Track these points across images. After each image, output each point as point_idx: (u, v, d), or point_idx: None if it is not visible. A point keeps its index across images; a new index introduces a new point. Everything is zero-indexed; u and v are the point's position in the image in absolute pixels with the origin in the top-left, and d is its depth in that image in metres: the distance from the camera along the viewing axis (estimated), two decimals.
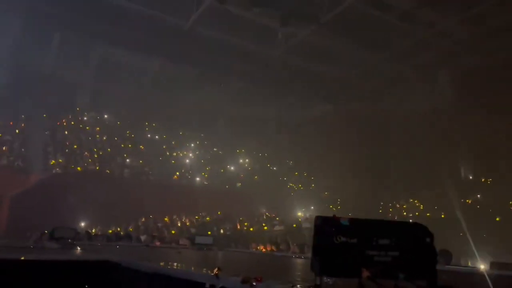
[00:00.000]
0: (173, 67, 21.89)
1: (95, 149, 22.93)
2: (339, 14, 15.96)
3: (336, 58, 19.66)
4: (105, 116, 25.86)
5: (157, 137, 26.23)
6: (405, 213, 21.97)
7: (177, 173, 23.75)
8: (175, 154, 25.77)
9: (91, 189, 17.46)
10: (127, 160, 23.15)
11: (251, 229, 20.03)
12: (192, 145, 26.84)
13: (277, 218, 21.89)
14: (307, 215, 22.01)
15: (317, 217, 1.91)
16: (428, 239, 1.90)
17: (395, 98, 21.34)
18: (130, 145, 24.32)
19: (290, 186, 26.31)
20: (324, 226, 1.84)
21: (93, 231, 16.00)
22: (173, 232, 17.40)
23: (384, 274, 1.81)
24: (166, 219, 19.71)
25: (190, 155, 26.05)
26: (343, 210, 24.15)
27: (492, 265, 6.06)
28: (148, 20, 17.23)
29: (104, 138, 24.26)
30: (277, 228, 19.41)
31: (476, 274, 3.93)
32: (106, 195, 17.83)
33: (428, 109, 20.23)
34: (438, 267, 5.80)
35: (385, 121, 22.22)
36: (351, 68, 20.54)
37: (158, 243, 12.26)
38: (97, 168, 21.42)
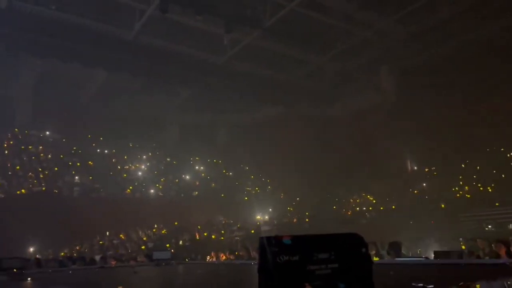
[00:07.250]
0: (118, 78, 21.22)
1: (39, 169, 21.83)
2: (281, 18, 16.31)
3: (281, 61, 20.04)
4: (47, 133, 24.70)
5: (106, 151, 25.42)
6: (358, 208, 22.71)
7: (130, 187, 23.15)
8: (126, 167, 25.11)
9: (38, 211, 16.65)
10: (76, 177, 22.26)
11: (213, 236, 19.83)
12: (144, 156, 26.28)
13: (238, 225, 21.88)
14: (266, 217, 22.21)
15: (260, 238, 1.97)
16: (363, 249, 2.00)
17: (340, 97, 22.09)
18: (78, 162, 23.38)
19: (247, 190, 26.41)
20: (267, 246, 1.90)
21: (36, 256, 15.15)
22: (129, 249, 16.89)
23: (325, 287, 1.89)
24: (121, 235, 19.15)
25: (143, 167, 25.49)
26: (300, 210, 24.63)
27: (436, 254, 6.38)
28: (90, 31, 16.60)
29: (49, 156, 23.16)
30: (236, 234, 19.40)
31: (420, 265, 4.17)
32: (56, 216, 17.07)
33: (371, 106, 21.10)
34: (388, 260, 6.01)
35: (332, 120, 22.97)
36: (296, 70, 21.01)
37: (113, 263, 11.82)
38: (43, 189, 20.42)
